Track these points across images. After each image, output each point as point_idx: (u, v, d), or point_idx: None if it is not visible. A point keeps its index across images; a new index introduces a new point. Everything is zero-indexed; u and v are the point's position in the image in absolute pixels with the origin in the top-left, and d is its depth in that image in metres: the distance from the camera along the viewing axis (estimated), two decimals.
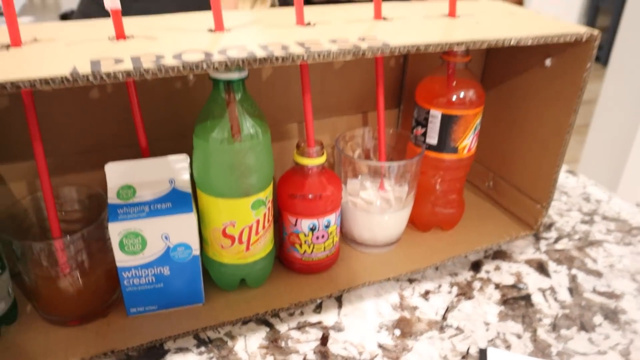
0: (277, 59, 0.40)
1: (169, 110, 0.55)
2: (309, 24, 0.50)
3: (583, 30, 0.53)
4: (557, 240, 0.67)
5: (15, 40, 0.42)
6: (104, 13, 0.42)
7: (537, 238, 0.67)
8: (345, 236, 0.62)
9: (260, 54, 0.40)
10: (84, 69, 0.36)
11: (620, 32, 1.86)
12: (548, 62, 0.59)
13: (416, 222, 0.64)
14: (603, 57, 4.08)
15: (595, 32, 0.53)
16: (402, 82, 0.68)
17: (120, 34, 0.44)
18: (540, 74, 0.61)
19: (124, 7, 0.43)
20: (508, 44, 0.49)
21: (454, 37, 0.47)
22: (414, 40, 0.45)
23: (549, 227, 0.70)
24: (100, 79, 0.36)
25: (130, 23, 0.48)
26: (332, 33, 0.47)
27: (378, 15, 0.53)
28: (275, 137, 0.60)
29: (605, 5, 3.95)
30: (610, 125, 1.91)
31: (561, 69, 0.58)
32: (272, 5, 1.04)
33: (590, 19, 4.08)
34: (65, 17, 2.39)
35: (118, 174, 0.49)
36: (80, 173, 0.55)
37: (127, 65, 0.37)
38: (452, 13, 0.55)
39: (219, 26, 0.46)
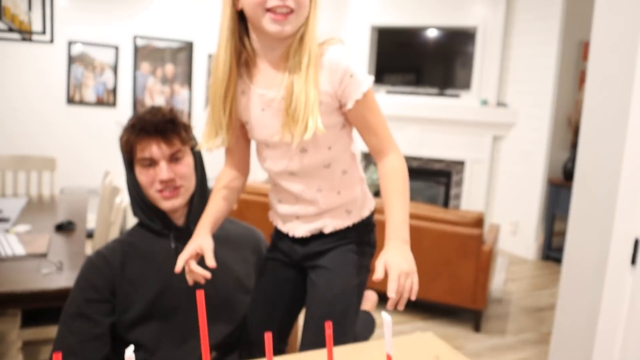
0: None
1: None
2: None
3: None
4: None
5: None
6: None
7: None
8: None
9: None
10: None
11: (568, 236, 2.08)
12: None
13: None
14: (560, 258, 4.36)
15: None
16: None
17: None
18: None
19: None
20: None
21: None
22: None
23: None
24: None
25: None
26: None
27: None
28: None
29: (561, 213, 4.35)
30: (571, 329, 2.04)
31: None
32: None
33: (549, 224, 4.44)
34: (60, 227, 2.59)
35: None
36: None
37: None
38: None
39: None
